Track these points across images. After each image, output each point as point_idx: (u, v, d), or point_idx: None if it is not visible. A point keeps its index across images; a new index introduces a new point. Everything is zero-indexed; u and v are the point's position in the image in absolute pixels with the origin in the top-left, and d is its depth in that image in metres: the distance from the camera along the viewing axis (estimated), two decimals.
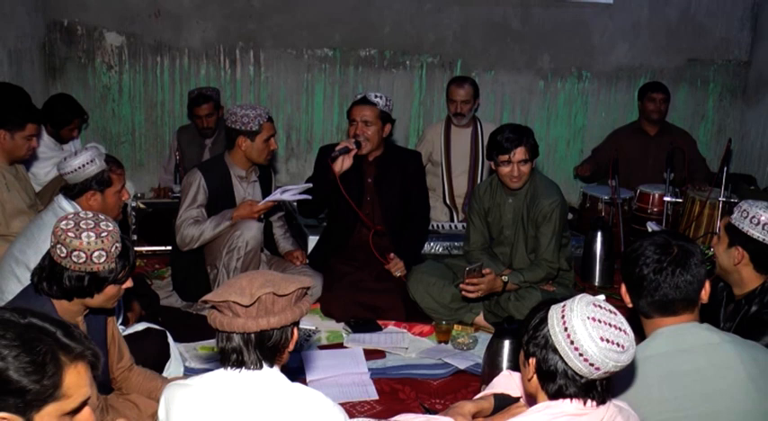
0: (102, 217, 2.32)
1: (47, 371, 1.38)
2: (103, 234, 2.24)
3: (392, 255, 4.07)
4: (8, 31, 4.93)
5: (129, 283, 2.38)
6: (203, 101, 5.07)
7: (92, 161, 3.05)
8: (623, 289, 2.17)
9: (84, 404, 1.46)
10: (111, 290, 2.31)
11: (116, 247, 2.26)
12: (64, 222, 2.24)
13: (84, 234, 2.21)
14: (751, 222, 2.46)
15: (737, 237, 2.50)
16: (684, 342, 2.05)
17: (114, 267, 2.26)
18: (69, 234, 2.20)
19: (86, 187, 3.06)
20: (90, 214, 2.30)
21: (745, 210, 2.50)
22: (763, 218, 2.45)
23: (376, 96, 4.04)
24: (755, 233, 2.46)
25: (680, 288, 2.05)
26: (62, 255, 2.21)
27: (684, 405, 1.99)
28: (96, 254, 2.22)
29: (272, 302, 1.83)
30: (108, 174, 3.08)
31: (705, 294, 2.11)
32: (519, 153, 3.63)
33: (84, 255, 2.21)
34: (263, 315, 1.82)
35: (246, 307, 1.80)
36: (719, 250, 2.59)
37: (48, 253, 2.28)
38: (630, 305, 2.15)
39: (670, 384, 2.00)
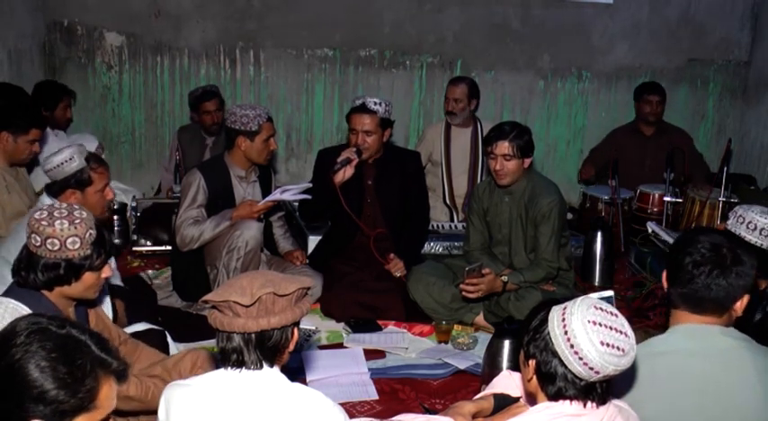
0: (77, 207, 2.34)
1: (85, 384, 1.40)
2: (77, 221, 2.25)
3: (392, 255, 4.07)
4: (8, 31, 4.93)
5: (107, 272, 2.39)
6: (211, 96, 5.09)
7: (71, 159, 3.03)
8: (665, 273, 2.13)
9: (109, 415, 1.49)
10: (89, 278, 2.32)
11: (90, 234, 2.27)
12: (38, 213, 2.27)
13: (58, 222, 2.23)
14: (748, 228, 2.45)
15: None
16: (701, 343, 2.02)
17: (89, 254, 2.28)
18: (43, 222, 2.23)
19: (66, 185, 3.05)
20: (64, 205, 2.32)
21: (741, 216, 2.48)
22: (759, 222, 2.43)
23: (375, 104, 3.97)
24: (753, 238, 2.45)
25: (711, 289, 2.00)
26: (37, 244, 2.23)
27: (691, 406, 1.97)
28: (70, 240, 2.23)
29: (273, 302, 1.83)
30: (88, 174, 3.06)
31: (740, 306, 2.05)
32: (501, 147, 3.62)
33: (57, 242, 2.22)
34: (263, 315, 1.82)
35: (247, 307, 1.80)
36: None
37: (25, 244, 2.30)
38: (666, 290, 2.11)
39: (680, 383, 1.99)
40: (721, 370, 1.99)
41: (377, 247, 4.07)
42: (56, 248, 2.23)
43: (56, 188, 3.06)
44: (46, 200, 3.05)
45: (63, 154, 3.04)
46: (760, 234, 2.44)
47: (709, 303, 2.02)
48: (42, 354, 1.39)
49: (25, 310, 2.01)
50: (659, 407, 1.96)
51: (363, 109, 3.97)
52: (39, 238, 2.23)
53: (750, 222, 2.44)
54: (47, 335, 1.42)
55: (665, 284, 2.13)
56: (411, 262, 4.06)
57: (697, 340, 2.03)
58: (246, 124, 3.82)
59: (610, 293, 2.56)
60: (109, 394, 1.46)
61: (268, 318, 1.82)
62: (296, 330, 1.90)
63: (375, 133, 3.99)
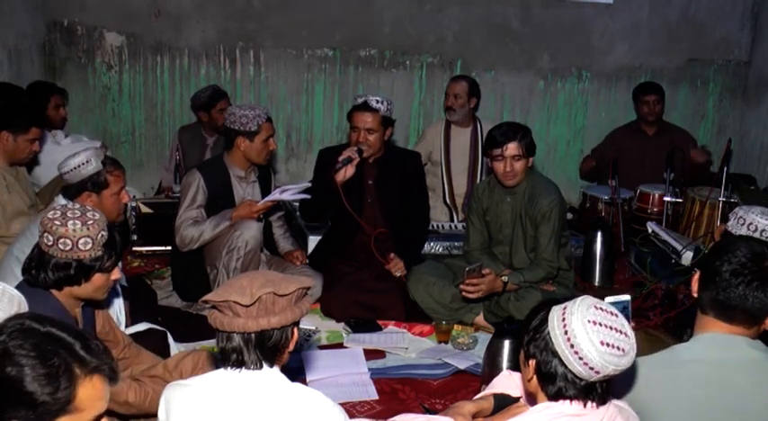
0: (90, 208, 2.35)
1: (60, 384, 1.36)
2: (89, 222, 2.27)
3: (392, 255, 4.07)
4: (8, 31, 4.93)
5: (116, 274, 2.39)
6: (222, 96, 5.13)
7: (88, 162, 3.04)
8: (696, 276, 2.08)
9: (99, 418, 1.45)
10: (98, 279, 2.33)
11: (102, 235, 2.29)
12: (51, 213, 2.28)
13: (70, 222, 2.25)
14: (749, 229, 2.45)
15: None
16: (727, 353, 1.98)
17: (100, 255, 2.29)
18: (56, 222, 2.25)
19: (82, 188, 3.06)
20: (77, 206, 2.34)
21: (741, 218, 2.48)
22: (760, 224, 2.43)
23: (377, 102, 3.96)
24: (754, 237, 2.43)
25: (747, 300, 1.95)
26: (49, 243, 2.25)
27: (712, 417, 1.95)
28: (82, 241, 2.25)
29: (273, 302, 1.83)
30: (104, 177, 3.07)
31: None
32: (511, 148, 3.62)
33: (69, 242, 2.24)
34: (263, 315, 1.82)
35: (247, 307, 1.80)
36: None
37: (36, 243, 2.31)
38: (696, 294, 2.07)
39: (703, 393, 1.96)
40: (746, 382, 1.95)
41: (377, 247, 4.07)
42: (67, 248, 2.24)
43: (72, 191, 3.08)
44: (62, 202, 3.05)
45: (80, 157, 3.05)
46: (761, 236, 2.44)
47: (741, 314, 1.97)
48: (21, 353, 1.36)
49: (11, 291, 1.99)
50: (679, 416, 1.94)
51: (365, 107, 3.96)
52: (51, 238, 2.24)
53: (751, 224, 2.44)
54: (26, 335, 1.39)
55: (694, 287, 2.07)
56: (411, 262, 4.06)
57: (722, 350, 1.98)
58: (246, 124, 3.82)
59: (626, 298, 2.53)
60: (92, 395, 1.41)
61: (268, 318, 1.82)
62: (296, 330, 1.90)
63: (377, 131, 3.99)
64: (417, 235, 4.29)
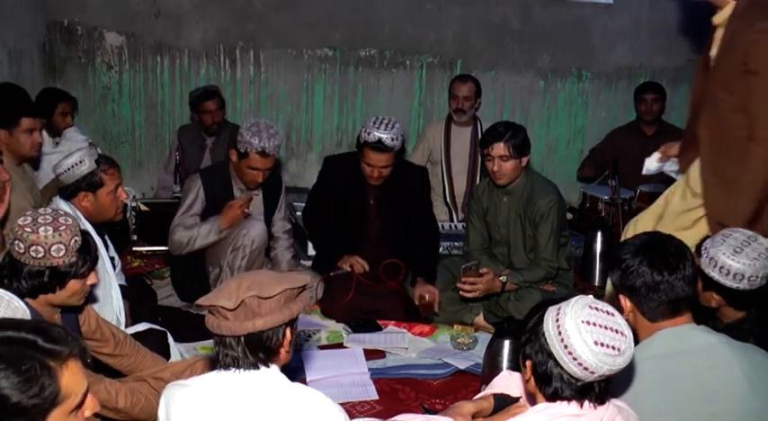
0: (62, 212, 2.31)
1: (43, 385, 1.36)
2: (61, 228, 2.22)
3: (426, 297, 3.88)
4: (8, 31, 4.93)
5: (93, 279, 2.36)
6: (211, 96, 5.10)
7: (81, 162, 3.04)
8: (626, 301, 2.14)
9: (85, 395, 1.45)
10: (73, 285, 2.29)
11: (75, 241, 2.24)
12: (22, 219, 2.23)
13: (42, 228, 2.20)
14: (721, 272, 2.35)
15: (711, 285, 2.42)
16: (682, 343, 2.05)
17: (75, 261, 2.25)
18: (26, 229, 2.19)
19: (78, 188, 3.06)
20: (49, 210, 2.29)
21: (712, 259, 2.37)
22: (733, 267, 2.33)
23: (392, 140, 3.80)
24: (727, 282, 2.36)
25: (691, 283, 2.08)
26: (20, 251, 2.20)
27: (682, 406, 1.99)
28: (55, 247, 2.20)
29: (258, 305, 1.82)
30: (98, 176, 3.07)
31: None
32: (497, 149, 3.62)
33: (41, 249, 2.19)
34: (250, 317, 1.81)
35: (232, 310, 1.80)
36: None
37: (8, 251, 2.26)
38: (630, 315, 2.13)
39: (668, 386, 2.01)
40: (706, 367, 2.02)
41: (385, 273, 3.98)
42: (40, 256, 2.19)
43: (68, 191, 3.07)
44: (60, 203, 3.05)
45: (73, 157, 3.05)
46: (734, 278, 2.34)
47: (685, 300, 2.09)
48: None
49: (17, 302, 1.98)
50: (650, 412, 1.97)
51: (381, 147, 3.81)
52: (22, 245, 2.19)
53: (723, 267, 2.35)
54: None
55: (629, 309, 2.13)
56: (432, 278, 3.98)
57: (678, 341, 2.07)
58: (239, 141, 3.74)
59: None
60: (74, 380, 1.42)
61: (253, 321, 1.81)
62: (289, 330, 1.88)
63: (391, 164, 3.91)
64: (433, 256, 4.15)
